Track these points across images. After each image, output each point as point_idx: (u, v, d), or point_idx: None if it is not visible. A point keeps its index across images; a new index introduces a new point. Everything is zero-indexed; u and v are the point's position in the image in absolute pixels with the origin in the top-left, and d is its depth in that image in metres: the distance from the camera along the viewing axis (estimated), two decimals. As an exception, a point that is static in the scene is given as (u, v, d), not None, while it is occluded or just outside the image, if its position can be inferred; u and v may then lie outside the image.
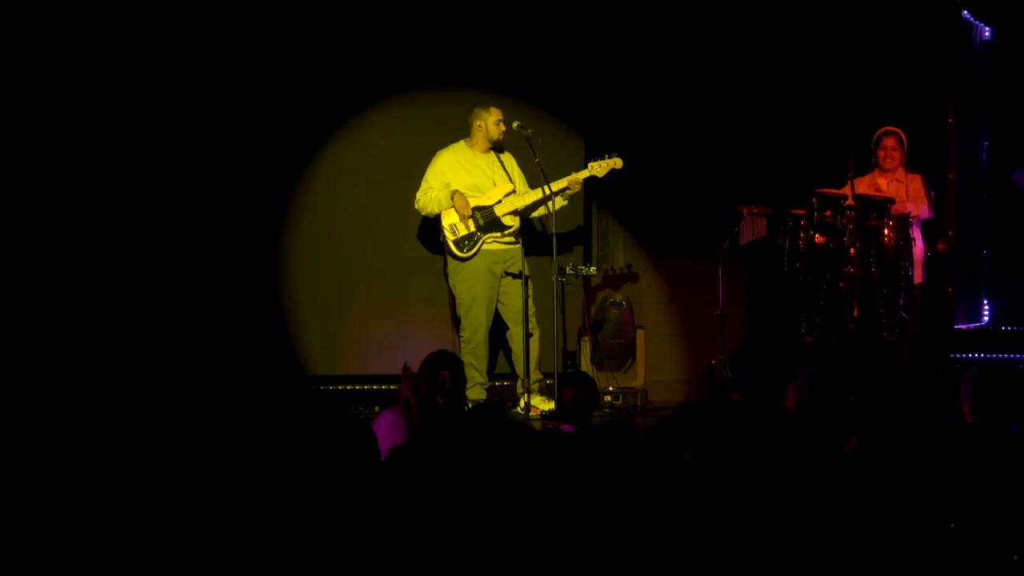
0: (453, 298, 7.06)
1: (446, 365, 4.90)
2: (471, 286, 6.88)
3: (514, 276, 6.85)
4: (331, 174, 7.47)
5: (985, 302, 8.60)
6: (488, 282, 6.87)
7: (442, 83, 7.53)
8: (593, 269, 7.51)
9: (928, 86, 8.15)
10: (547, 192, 6.74)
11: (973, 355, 8.26)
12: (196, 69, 7.07)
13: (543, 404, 6.80)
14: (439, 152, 6.97)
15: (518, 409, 6.85)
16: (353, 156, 7.51)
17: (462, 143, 6.98)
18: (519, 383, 6.97)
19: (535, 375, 6.92)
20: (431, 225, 7.11)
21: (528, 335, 6.83)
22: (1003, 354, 8.30)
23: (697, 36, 7.90)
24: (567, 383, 5.27)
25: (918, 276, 6.84)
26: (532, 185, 7.00)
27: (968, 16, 8.47)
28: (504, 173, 6.91)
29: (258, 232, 7.27)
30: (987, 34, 8.59)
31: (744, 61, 7.94)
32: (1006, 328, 8.57)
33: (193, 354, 6.93)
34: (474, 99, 7.07)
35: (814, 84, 7.96)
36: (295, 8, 7.28)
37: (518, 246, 6.91)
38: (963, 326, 8.45)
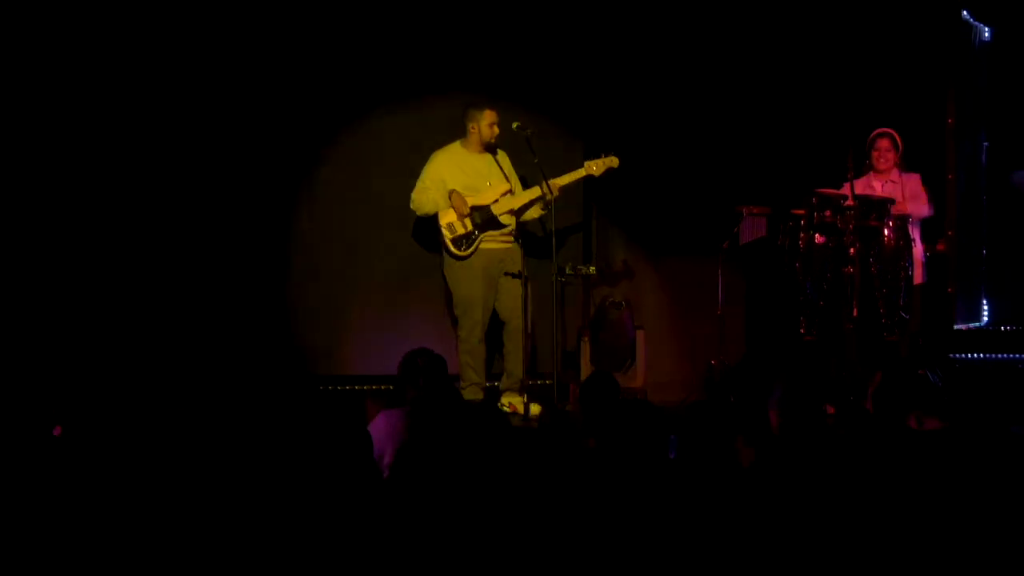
0: (449, 297, 7.07)
1: (417, 363, 4.76)
2: (469, 285, 6.88)
3: (512, 276, 6.82)
4: (335, 174, 7.53)
5: (984, 302, 8.60)
6: (485, 282, 6.87)
7: (445, 86, 7.56)
8: (593, 269, 7.51)
9: (927, 87, 8.15)
10: (545, 191, 6.72)
11: (972, 355, 8.27)
12: (202, 68, 7.13)
13: (518, 406, 6.76)
14: (434, 153, 6.99)
15: (504, 407, 6.82)
16: (356, 157, 7.57)
17: (457, 143, 6.99)
18: (504, 378, 6.96)
19: (519, 374, 6.88)
20: (428, 224, 7.11)
21: (527, 333, 6.83)
22: (1002, 354, 8.31)
23: (696, 37, 7.90)
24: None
25: (918, 277, 6.84)
26: (527, 185, 7.01)
27: (967, 17, 8.47)
28: (500, 173, 6.92)
29: (262, 231, 7.34)
30: (986, 35, 8.59)
31: (743, 61, 7.94)
32: (1005, 328, 8.57)
33: (196, 352, 6.96)
34: (470, 100, 7.08)
35: (813, 84, 7.96)
36: (302, 11, 7.33)
37: (515, 246, 6.91)
38: (962, 326, 8.45)
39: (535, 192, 6.88)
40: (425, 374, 4.74)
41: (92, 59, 6.95)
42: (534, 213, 7.04)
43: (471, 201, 6.87)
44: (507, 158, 7.04)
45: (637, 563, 2.97)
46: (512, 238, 6.92)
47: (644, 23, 7.86)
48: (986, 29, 8.57)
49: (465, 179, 6.91)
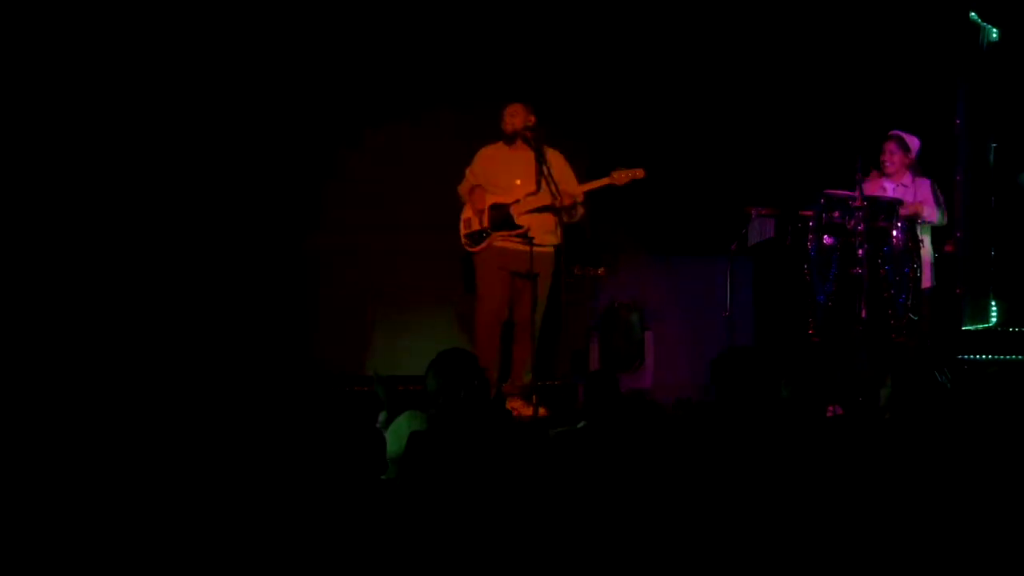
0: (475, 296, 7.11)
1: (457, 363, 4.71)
2: (484, 283, 6.89)
3: (520, 276, 6.79)
4: (352, 176, 7.70)
5: (993, 303, 8.60)
6: (501, 281, 6.84)
7: (456, 91, 7.70)
8: (601, 270, 7.52)
9: (935, 87, 8.16)
10: (554, 193, 6.70)
11: (981, 356, 8.26)
12: (225, 74, 7.24)
13: (523, 408, 6.71)
14: (481, 148, 7.00)
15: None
16: (374, 160, 7.74)
17: (502, 141, 6.97)
18: (508, 383, 6.94)
19: (526, 378, 6.87)
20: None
21: (534, 336, 6.84)
22: (1011, 355, 8.30)
23: (706, 37, 7.94)
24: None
25: (927, 279, 6.83)
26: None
27: (975, 18, 8.48)
28: (534, 172, 6.82)
29: (279, 234, 7.45)
30: (994, 36, 8.59)
31: (753, 62, 7.97)
32: (1014, 329, 8.56)
33: (212, 352, 7.05)
34: (481, 106, 7.14)
35: (822, 85, 7.97)
36: (322, 20, 7.49)
37: (541, 249, 6.76)
38: (971, 327, 8.45)
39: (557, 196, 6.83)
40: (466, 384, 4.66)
41: (111, 70, 7.08)
42: (571, 217, 6.87)
43: (497, 199, 6.88)
44: (561, 158, 6.91)
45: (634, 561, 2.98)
46: (532, 240, 6.73)
47: (653, 24, 7.89)
48: (994, 30, 8.57)
49: (498, 176, 6.91)
